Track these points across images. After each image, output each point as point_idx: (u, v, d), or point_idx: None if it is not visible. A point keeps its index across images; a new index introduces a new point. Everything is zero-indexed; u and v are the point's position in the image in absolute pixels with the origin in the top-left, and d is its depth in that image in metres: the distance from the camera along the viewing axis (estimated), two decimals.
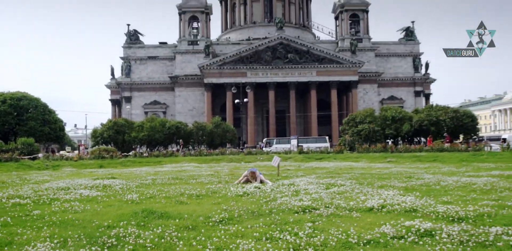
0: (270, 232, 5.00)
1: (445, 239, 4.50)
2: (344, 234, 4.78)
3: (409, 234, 4.78)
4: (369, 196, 7.55)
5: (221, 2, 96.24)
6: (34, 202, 8.14)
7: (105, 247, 4.56)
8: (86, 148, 57.54)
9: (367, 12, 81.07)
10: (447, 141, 34.67)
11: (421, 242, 4.49)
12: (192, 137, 46.32)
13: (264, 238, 4.75)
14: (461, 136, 42.11)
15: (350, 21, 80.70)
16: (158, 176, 14.91)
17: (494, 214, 5.84)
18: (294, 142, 45.63)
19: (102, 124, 45.89)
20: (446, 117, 37.92)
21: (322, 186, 9.81)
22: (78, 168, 24.61)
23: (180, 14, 79.38)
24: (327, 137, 52.34)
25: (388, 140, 40.30)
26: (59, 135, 47.62)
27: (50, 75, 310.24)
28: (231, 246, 4.34)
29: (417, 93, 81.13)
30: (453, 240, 4.47)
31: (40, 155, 35.55)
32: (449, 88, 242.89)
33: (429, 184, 10.21)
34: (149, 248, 4.44)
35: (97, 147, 41.09)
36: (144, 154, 37.67)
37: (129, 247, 4.40)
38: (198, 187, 10.80)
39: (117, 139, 43.81)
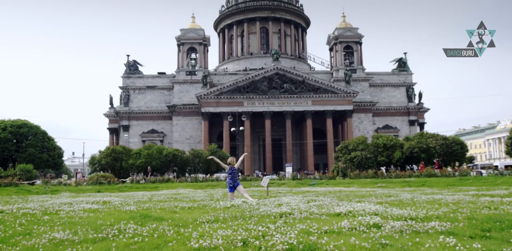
0: (246, 226, 5.85)
1: (388, 229, 5.36)
2: (307, 227, 5.63)
3: (361, 226, 5.64)
4: (342, 207, 8.38)
5: (219, 34, 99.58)
6: (42, 211, 8.92)
7: (109, 235, 5.40)
8: (84, 176, 57.87)
9: (360, 43, 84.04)
10: (436, 167, 35.54)
11: (367, 231, 5.34)
12: (189, 164, 47.05)
13: (240, 229, 5.59)
14: (457, 163, 42.99)
15: (344, 52, 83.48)
16: (154, 197, 15.64)
17: (443, 216, 6.67)
18: (289, 169, 47.44)
19: (100, 151, 46.69)
20: (436, 145, 38.97)
21: (304, 201, 10.63)
22: (77, 192, 25.16)
23: (179, 45, 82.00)
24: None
25: (381, 167, 41.13)
26: (57, 162, 48.17)
27: (49, 104, 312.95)
28: (212, 233, 5.18)
29: (411, 123, 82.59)
30: (395, 230, 5.33)
31: (38, 181, 36.05)
32: (443, 118, 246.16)
33: (403, 200, 11.03)
34: (145, 235, 5.29)
35: (95, 173, 41.67)
36: (141, 181, 38.21)
37: (129, 235, 5.26)
38: (191, 202, 11.51)
39: (114, 166, 44.45)
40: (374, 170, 35.64)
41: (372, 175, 32.67)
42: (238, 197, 12.89)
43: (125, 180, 38.16)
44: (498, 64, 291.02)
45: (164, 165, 46.34)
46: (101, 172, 43.50)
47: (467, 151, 42.77)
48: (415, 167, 42.81)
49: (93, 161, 45.61)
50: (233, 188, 12.71)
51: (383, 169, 42.83)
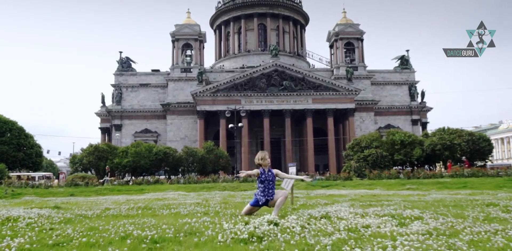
0: None
1: None
2: None
3: None
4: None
5: (215, 31, 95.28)
6: None
7: None
8: None
9: (361, 40, 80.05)
10: (467, 165, 31.29)
11: None
12: (182, 163, 42.11)
13: None
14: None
15: (345, 50, 79.45)
16: (122, 205, 10.81)
17: None
18: (292, 169, 42.87)
19: (82, 149, 41.70)
20: (461, 141, 34.65)
21: (388, 219, 5.88)
22: (42, 196, 20.58)
23: (173, 41, 77.65)
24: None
25: (397, 167, 36.59)
26: (36, 161, 43.29)
27: (39, 103, 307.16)
28: None
29: (414, 122, 78.67)
30: None
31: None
32: (444, 118, 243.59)
33: None
34: None
35: (75, 174, 36.95)
36: (130, 182, 33.51)
37: None
38: (168, 221, 6.64)
39: (98, 165, 39.53)
40: (396, 169, 31.14)
41: (395, 175, 28.29)
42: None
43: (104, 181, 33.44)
44: (498, 65, 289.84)
45: (154, 165, 41.44)
46: (83, 172, 38.75)
47: (493, 148, 38.49)
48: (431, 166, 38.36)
49: (74, 160, 40.60)
50: (259, 203, 7.71)
51: (397, 168, 38.45)
